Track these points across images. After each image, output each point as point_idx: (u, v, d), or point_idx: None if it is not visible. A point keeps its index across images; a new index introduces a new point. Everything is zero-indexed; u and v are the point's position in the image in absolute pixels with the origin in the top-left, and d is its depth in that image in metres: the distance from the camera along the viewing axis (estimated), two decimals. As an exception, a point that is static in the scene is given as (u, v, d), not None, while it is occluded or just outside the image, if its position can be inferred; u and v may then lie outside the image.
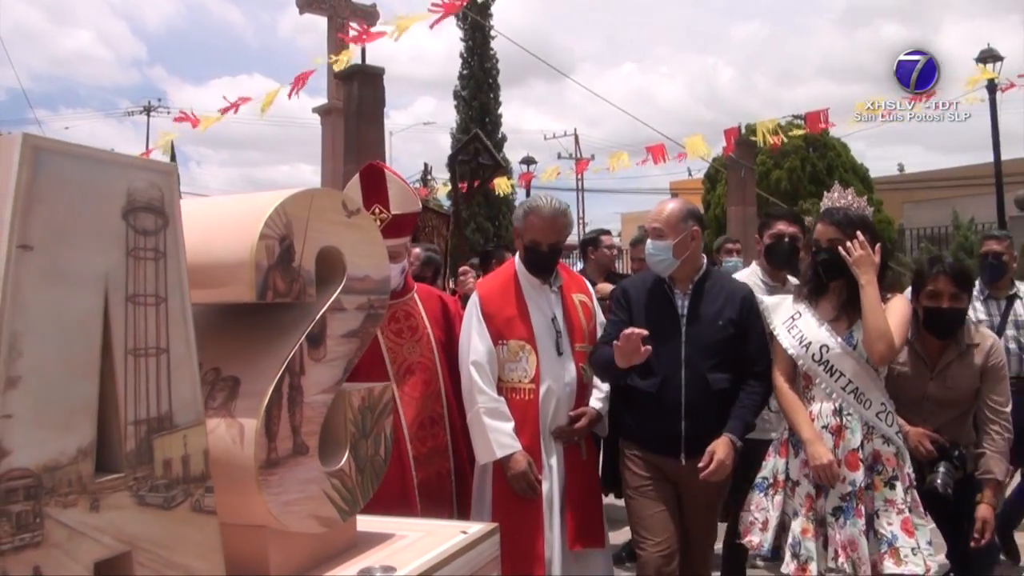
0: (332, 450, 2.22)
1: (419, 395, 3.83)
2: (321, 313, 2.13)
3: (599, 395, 4.05)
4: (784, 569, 3.60)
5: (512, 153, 30.97)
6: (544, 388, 3.77)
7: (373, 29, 8.95)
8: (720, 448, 3.64)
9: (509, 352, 3.79)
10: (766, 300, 3.97)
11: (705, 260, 3.89)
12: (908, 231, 22.95)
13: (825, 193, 4.03)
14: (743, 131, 12.29)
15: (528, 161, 27.39)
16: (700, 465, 3.64)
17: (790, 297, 3.91)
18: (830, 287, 3.74)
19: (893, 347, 3.51)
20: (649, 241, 3.81)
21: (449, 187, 22.93)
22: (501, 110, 30.45)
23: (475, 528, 2.54)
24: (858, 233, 3.62)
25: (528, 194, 29.15)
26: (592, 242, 7.09)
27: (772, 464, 3.77)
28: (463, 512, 3.87)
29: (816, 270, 3.79)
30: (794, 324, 3.71)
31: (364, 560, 2.23)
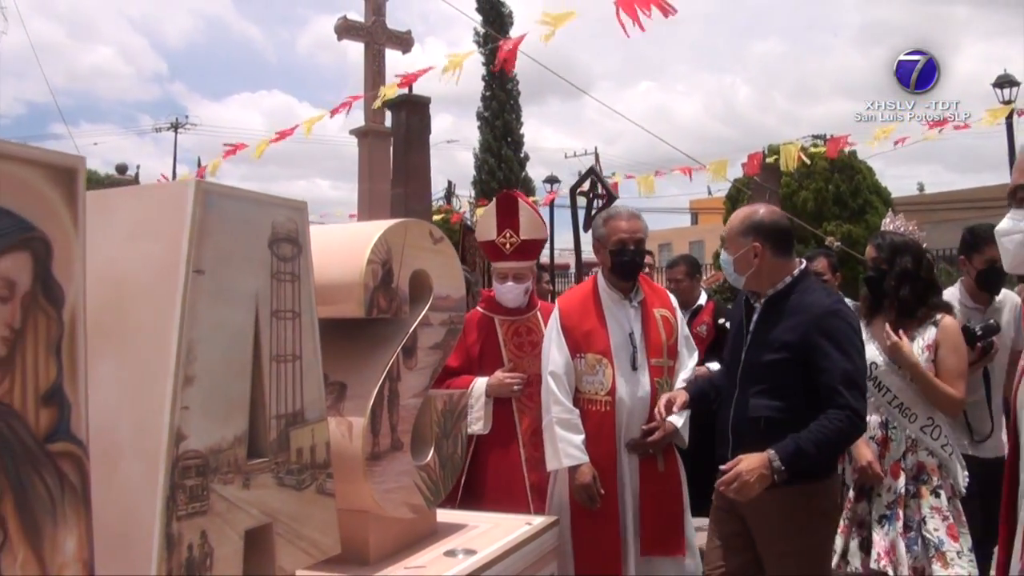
0: (420, 447, 2.53)
1: (535, 405, 4.03)
2: (413, 328, 2.45)
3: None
4: None
5: (532, 171, 31.24)
6: (619, 400, 3.88)
7: (419, 68, 9.35)
8: (749, 459, 3.08)
9: (587, 365, 3.91)
10: None
11: (795, 272, 3.42)
12: (928, 253, 23.10)
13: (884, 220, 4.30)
14: (766, 154, 12.58)
15: (551, 180, 27.70)
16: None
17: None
18: (884, 305, 3.99)
19: (958, 403, 3.79)
20: (722, 251, 3.81)
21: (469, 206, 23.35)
22: (523, 130, 30.90)
23: (538, 521, 2.85)
24: (900, 333, 3.84)
25: (552, 213, 29.54)
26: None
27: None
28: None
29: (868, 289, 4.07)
30: None
31: (446, 545, 2.54)
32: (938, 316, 3.88)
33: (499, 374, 4.02)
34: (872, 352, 3.89)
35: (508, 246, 4.04)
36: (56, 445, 1.45)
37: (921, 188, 37.60)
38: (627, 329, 3.98)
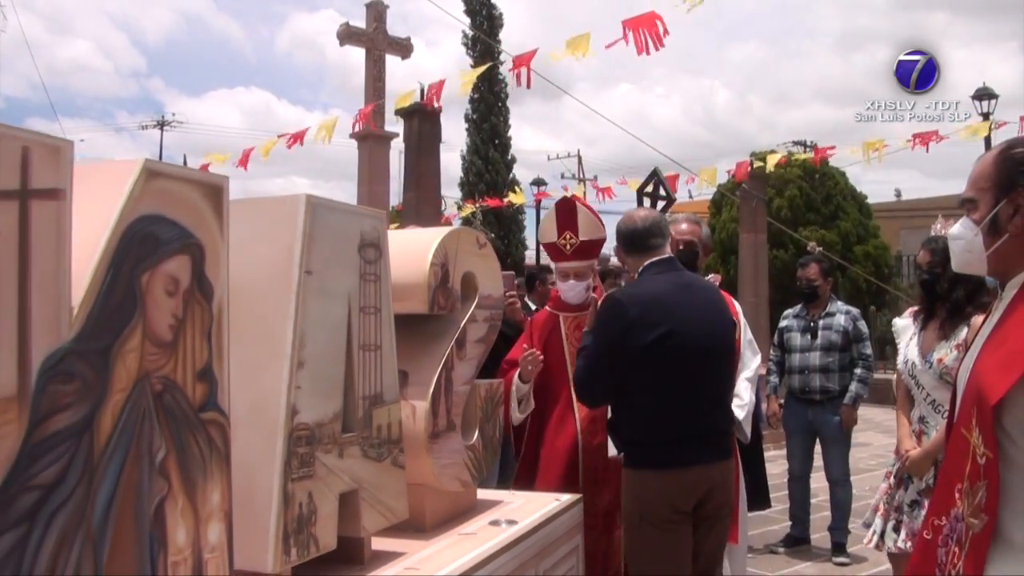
0: (467, 429, 2.85)
1: None
2: (464, 323, 2.77)
3: (739, 403, 4.27)
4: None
5: (516, 172, 31.52)
6: None
7: (435, 81, 9.67)
8: None
9: None
10: (898, 322, 4.65)
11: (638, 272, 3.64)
12: (905, 257, 23.52)
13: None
14: (753, 163, 12.99)
15: (539, 183, 28.11)
16: None
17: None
18: (937, 308, 4.28)
19: None
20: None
21: (463, 208, 23.68)
22: (510, 133, 31.21)
23: (565, 498, 3.17)
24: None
25: (539, 214, 29.92)
26: (537, 276, 7.76)
27: (892, 459, 4.43)
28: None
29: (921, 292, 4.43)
30: (908, 343, 4.36)
31: (489, 516, 2.86)
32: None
33: (522, 356, 4.20)
34: (912, 352, 4.25)
35: (568, 247, 4.28)
36: (207, 414, 1.76)
37: (898, 194, 38.13)
38: None
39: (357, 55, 14.71)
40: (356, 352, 2.21)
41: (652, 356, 3.18)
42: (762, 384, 6.13)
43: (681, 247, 4.34)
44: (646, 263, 3.47)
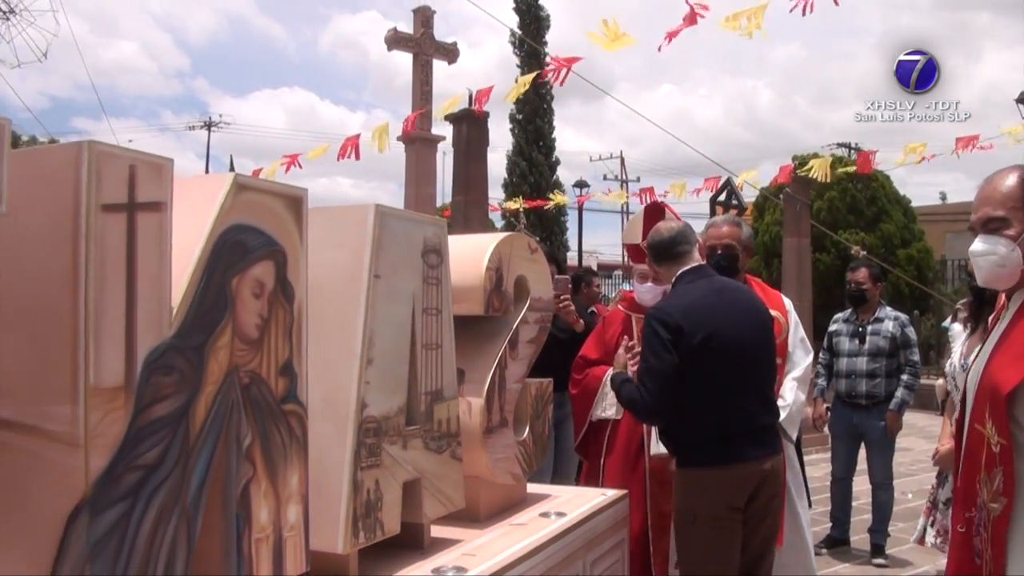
0: (519, 425, 3.01)
1: None
2: (516, 324, 2.92)
3: (781, 403, 4.23)
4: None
5: (559, 173, 31.58)
6: None
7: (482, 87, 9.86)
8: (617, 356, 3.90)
9: None
10: (954, 327, 4.77)
11: (673, 280, 3.73)
12: (949, 261, 23.12)
13: None
14: (797, 166, 13.00)
15: (581, 184, 28.22)
16: None
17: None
18: (983, 314, 4.29)
19: None
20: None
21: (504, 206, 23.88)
22: (554, 135, 31.28)
23: (611, 493, 3.31)
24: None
25: (580, 215, 30.06)
26: (583, 279, 7.86)
27: None
28: None
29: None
30: (957, 348, 4.49)
31: (539, 508, 3.01)
32: None
33: (620, 351, 4.18)
34: (956, 356, 4.36)
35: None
36: (287, 405, 1.93)
37: (944, 197, 37.69)
38: None
39: (400, 56, 14.97)
40: (419, 350, 2.37)
41: (697, 360, 3.29)
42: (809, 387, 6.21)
43: (720, 250, 4.40)
44: (678, 272, 3.57)
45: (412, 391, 2.35)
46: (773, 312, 4.28)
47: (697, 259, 3.63)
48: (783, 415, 4.20)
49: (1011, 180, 2.27)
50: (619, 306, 4.70)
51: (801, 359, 4.47)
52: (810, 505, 6.17)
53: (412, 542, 2.44)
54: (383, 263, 2.23)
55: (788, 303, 4.61)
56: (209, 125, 45.24)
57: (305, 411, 1.97)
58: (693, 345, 3.29)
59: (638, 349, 3.72)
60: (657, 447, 4.02)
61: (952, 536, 2.40)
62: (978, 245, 2.30)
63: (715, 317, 3.40)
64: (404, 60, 14.99)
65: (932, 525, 4.29)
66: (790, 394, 4.36)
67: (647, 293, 4.42)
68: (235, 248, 1.79)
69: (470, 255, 2.78)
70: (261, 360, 1.86)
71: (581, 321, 5.37)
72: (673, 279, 3.60)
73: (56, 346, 1.49)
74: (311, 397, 2.06)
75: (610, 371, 4.35)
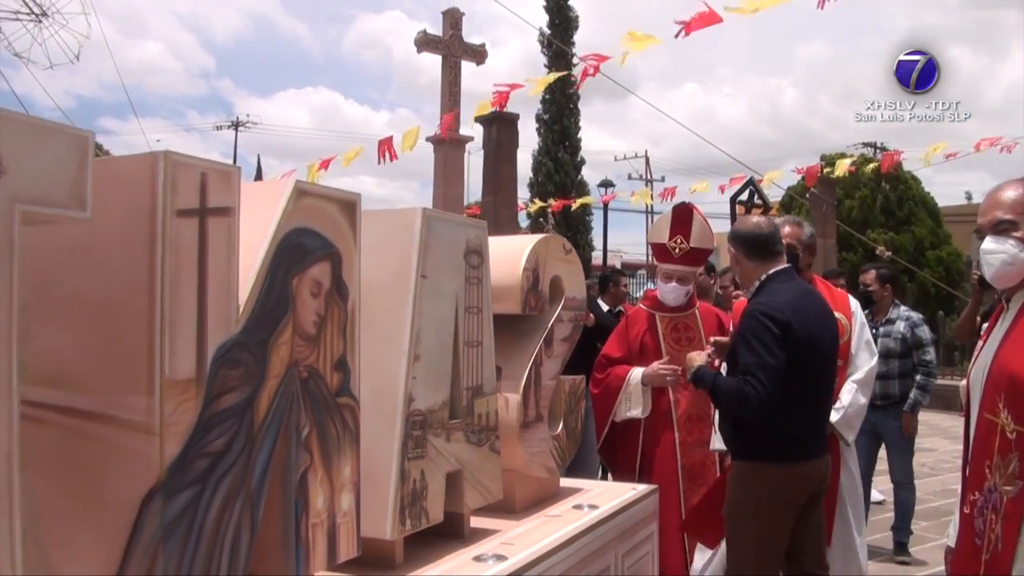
0: (553, 421, 3.11)
1: (691, 393, 4.39)
2: (551, 323, 3.02)
3: (837, 406, 4.23)
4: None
5: (583, 172, 31.55)
6: None
7: (508, 84, 9.94)
8: (692, 356, 3.74)
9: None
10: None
11: (763, 277, 3.67)
12: (975, 262, 22.95)
13: None
14: (823, 168, 13.06)
15: (606, 184, 28.23)
16: None
17: None
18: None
19: None
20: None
21: (531, 206, 23.96)
22: (580, 135, 31.28)
23: (641, 488, 3.41)
24: None
25: (605, 214, 30.07)
26: (611, 278, 7.96)
27: None
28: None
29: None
30: None
31: (572, 501, 3.11)
32: None
33: (655, 365, 4.36)
34: None
35: (677, 250, 4.44)
36: (341, 399, 2.04)
37: (969, 197, 37.39)
38: None
39: (425, 55, 15.06)
40: (461, 348, 2.48)
41: (800, 358, 3.37)
42: None
43: None
44: (771, 271, 3.58)
45: (455, 386, 2.46)
46: (837, 314, 4.18)
47: (785, 260, 3.66)
48: (837, 416, 4.17)
49: (1019, 189, 2.45)
50: (641, 305, 4.76)
51: (865, 362, 4.42)
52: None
53: (453, 531, 2.55)
54: (429, 264, 2.34)
55: (855, 304, 4.57)
56: (236, 125, 45.38)
57: (357, 404, 2.08)
58: (800, 343, 3.37)
59: (723, 341, 3.76)
60: (718, 443, 4.06)
61: (960, 518, 2.52)
62: (989, 244, 2.47)
63: (812, 317, 3.48)
64: (428, 59, 15.16)
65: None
66: (847, 396, 4.32)
67: (670, 293, 4.51)
68: (295, 250, 1.91)
69: (508, 256, 2.88)
70: (318, 355, 1.98)
71: (591, 315, 5.43)
72: (763, 277, 3.59)
73: (133, 342, 1.60)
74: (361, 391, 2.17)
75: (633, 370, 4.43)
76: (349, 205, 2.07)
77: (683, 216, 4.53)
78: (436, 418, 2.37)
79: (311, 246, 1.95)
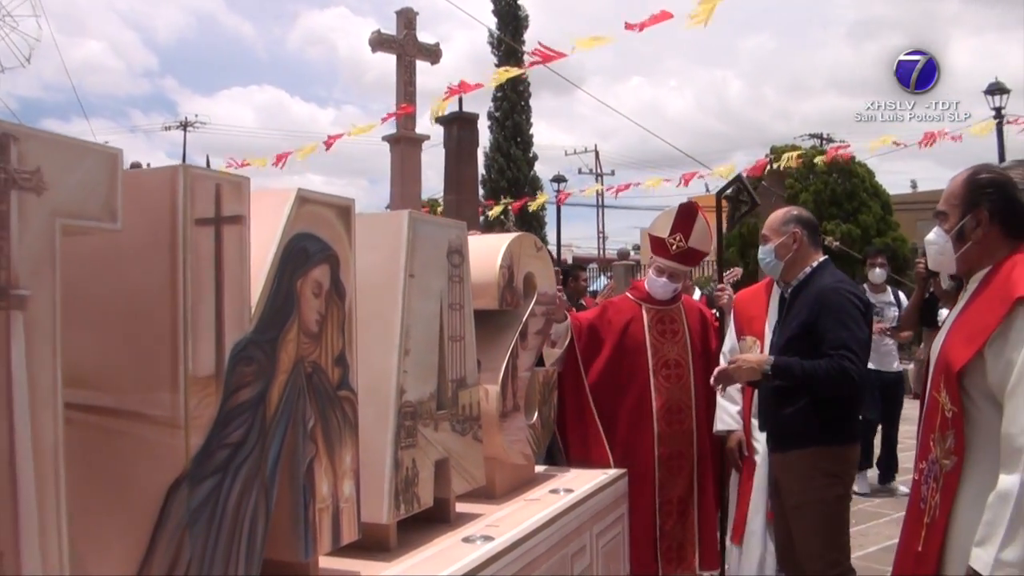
0: (529, 410, 3.28)
1: (671, 385, 4.56)
2: (525, 317, 3.19)
3: None
4: None
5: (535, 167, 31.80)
6: None
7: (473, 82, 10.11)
8: (748, 356, 3.80)
9: (745, 346, 4.39)
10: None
11: (815, 263, 3.85)
12: (919, 249, 23.54)
13: None
14: (771, 159, 13.38)
15: (559, 179, 28.48)
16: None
17: None
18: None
19: None
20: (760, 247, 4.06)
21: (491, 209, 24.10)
22: (532, 130, 31.50)
23: (611, 472, 3.59)
24: None
25: (559, 210, 30.30)
26: (570, 273, 8.19)
27: None
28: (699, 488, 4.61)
29: None
30: None
31: (547, 486, 3.28)
32: None
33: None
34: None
35: (675, 247, 4.55)
36: (342, 392, 2.19)
37: (914, 185, 38.23)
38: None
39: (368, 51, 15.12)
40: (446, 342, 2.64)
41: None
42: None
43: None
44: (822, 259, 3.84)
45: (441, 379, 2.62)
46: None
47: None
48: None
49: (957, 179, 2.65)
50: (628, 294, 4.87)
51: None
52: None
53: (440, 516, 2.70)
54: (416, 264, 2.49)
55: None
56: (185, 125, 44.77)
57: (356, 397, 2.23)
58: (869, 322, 3.65)
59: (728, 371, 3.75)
60: (724, 423, 4.35)
61: (912, 483, 2.75)
62: (929, 235, 2.73)
63: None
64: (376, 56, 15.20)
65: None
66: None
67: (661, 288, 4.63)
68: (299, 254, 2.05)
69: (485, 254, 3.04)
70: (320, 352, 2.12)
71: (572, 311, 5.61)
72: (815, 264, 3.81)
73: (157, 342, 1.74)
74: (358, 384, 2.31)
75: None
76: (345, 210, 2.21)
77: (687, 215, 4.64)
78: (425, 409, 2.52)
79: (313, 250, 2.10)
